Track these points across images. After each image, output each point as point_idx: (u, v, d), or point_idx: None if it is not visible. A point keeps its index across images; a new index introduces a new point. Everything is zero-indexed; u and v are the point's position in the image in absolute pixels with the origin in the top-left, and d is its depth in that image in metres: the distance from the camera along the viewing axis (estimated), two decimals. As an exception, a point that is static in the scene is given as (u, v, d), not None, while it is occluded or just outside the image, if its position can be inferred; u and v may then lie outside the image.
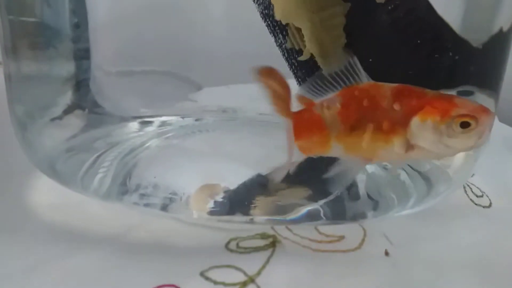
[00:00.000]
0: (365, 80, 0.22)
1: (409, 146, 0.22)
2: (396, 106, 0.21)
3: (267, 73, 0.22)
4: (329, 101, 0.23)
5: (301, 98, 0.23)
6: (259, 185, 0.29)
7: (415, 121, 0.21)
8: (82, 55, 0.31)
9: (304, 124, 0.23)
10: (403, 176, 0.30)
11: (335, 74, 0.22)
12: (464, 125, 0.21)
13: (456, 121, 0.20)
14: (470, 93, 0.28)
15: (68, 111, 0.32)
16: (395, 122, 0.22)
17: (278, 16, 0.26)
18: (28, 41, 0.29)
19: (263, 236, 0.26)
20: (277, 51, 0.28)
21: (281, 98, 0.22)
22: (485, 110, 0.21)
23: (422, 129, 0.21)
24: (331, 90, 0.23)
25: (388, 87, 0.22)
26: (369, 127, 0.22)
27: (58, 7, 0.29)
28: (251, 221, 0.27)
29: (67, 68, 0.31)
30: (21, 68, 0.29)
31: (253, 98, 0.24)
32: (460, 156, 0.29)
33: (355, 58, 0.22)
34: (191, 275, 0.23)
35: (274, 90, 0.22)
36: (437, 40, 0.27)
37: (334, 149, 0.23)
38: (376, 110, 0.22)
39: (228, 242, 0.26)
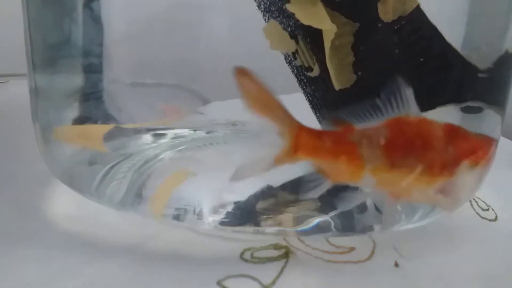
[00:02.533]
0: (415, 113, 0.21)
1: (444, 191, 0.21)
2: (450, 149, 0.20)
3: (243, 74, 0.21)
4: (374, 131, 0.21)
5: (338, 121, 0.21)
6: (269, 197, 0.30)
7: (465, 165, 0.20)
8: (93, 69, 0.32)
9: (328, 147, 0.21)
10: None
11: (386, 101, 0.21)
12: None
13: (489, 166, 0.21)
14: (479, 110, 0.28)
15: (82, 122, 0.33)
16: (445, 165, 0.20)
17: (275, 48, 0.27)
18: (50, 55, 0.30)
19: (276, 246, 0.27)
20: (284, 67, 0.29)
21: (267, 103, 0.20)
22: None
23: (468, 174, 0.20)
24: (374, 119, 0.21)
25: (439, 126, 0.21)
26: (418, 167, 0.20)
27: (80, 24, 0.30)
28: (262, 232, 0.28)
29: (82, 81, 0.32)
30: (44, 81, 0.30)
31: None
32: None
33: (410, 89, 0.20)
34: (208, 284, 0.23)
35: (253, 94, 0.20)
36: (441, 59, 0.27)
37: (365, 181, 0.21)
38: (428, 150, 0.20)
39: (243, 252, 0.26)
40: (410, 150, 0.21)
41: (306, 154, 0.21)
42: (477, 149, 0.21)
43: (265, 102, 0.20)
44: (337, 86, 0.26)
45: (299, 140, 0.21)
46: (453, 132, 0.21)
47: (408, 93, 0.20)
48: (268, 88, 0.20)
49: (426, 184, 0.21)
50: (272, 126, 0.21)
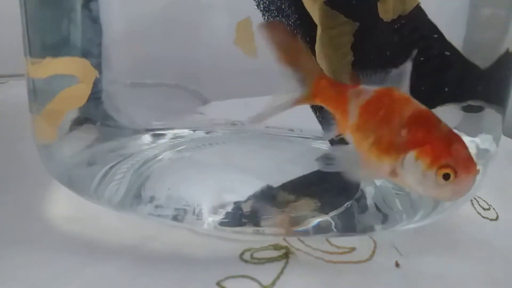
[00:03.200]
0: (405, 88, 0.21)
1: (394, 173, 0.21)
2: (403, 132, 0.20)
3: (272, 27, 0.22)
4: (363, 92, 0.22)
5: (353, 76, 0.24)
6: (268, 197, 0.30)
7: (410, 155, 0.20)
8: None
9: (335, 97, 0.23)
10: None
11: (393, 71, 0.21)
12: (446, 177, 0.19)
13: (440, 171, 0.19)
14: (480, 109, 0.28)
15: (81, 123, 0.33)
16: (393, 146, 0.21)
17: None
18: (48, 55, 0.30)
19: (276, 247, 0.27)
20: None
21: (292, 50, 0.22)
22: (470, 169, 0.20)
23: (412, 166, 0.20)
24: (377, 84, 0.22)
25: (411, 108, 0.21)
26: (370, 135, 0.21)
27: (79, 24, 0.30)
28: (262, 233, 0.28)
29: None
30: (42, 81, 0.30)
31: (255, 110, 0.25)
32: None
33: (409, 64, 0.21)
34: (207, 285, 0.23)
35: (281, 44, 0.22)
36: (441, 58, 0.27)
37: (347, 136, 0.23)
38: (384, 125, 0.21)
39: (242, 253, 0.26)
40: (370, 117, 0.22)
41: (321, 101, 0.24)
42: (428, 143, 0.20)
43: (293, 52, 0.23)
44: None
45: (318, 87, 0.23)
46: (418, 119, 0.21)
47: (406, 67, 0.21)
48: (297, 38, 0.23)
49: (376, 158, 0.21)
50: (295, 73, 0.23)
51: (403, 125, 0.20)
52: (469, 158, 0.20)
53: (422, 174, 0.20)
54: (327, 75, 0.24)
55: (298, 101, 0.24)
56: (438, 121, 0.21)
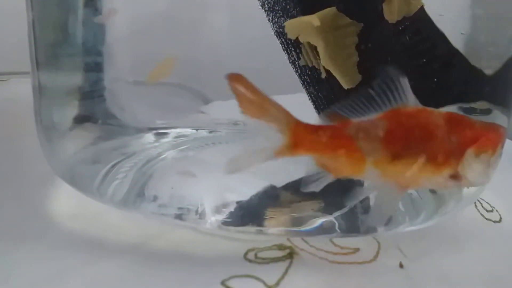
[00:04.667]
0: (413, 103, 0.21)
1: (457, 177, 0.21)
2: (453, 138, 0.20)
3: (236, 80, 0.21)
4: (371, 123, 0.21)
5: (333, 115, 0.21)
6: (272, 197, 0.30)
7: (470, 153, 0.20)
8: (93, 68, 0.32)
9: (325, 141, 0.21)
10: (414, 192, 0.31)
11: (381, 92, 0.20)
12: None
13: (498, 153, 0.21)
14: (487, 111, 0.28)
15: (84, 121, 0.33)
16: (449, 154, 0.20)
17: (292, 35, 0.27)
18: (53, 53, 0.30)
19: (280, 247, 0.27)
20: (286, 66, 0.29)
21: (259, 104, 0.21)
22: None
23: (475, 162, 0.20)
24: (371, 111, 0.21)
25: (439, 115, 0.21)
26: (420, 158, 0.20)
27: (85, 22, 0.30)
28: (266, 232, 0.28)
29: (85, 79, 0.32)
30: (47, 79, 0.30)
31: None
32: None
33: (405, 79, 0.20)
34: (212, 285, 0.23)
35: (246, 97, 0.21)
36: (444, 60, 0.27)
37: (369, 173, 0.21)
38: (430, 140, 0.20)
39: (246, 253, 0.26)
40: (410, 140, 0.21)
41: (305, 149, 0.22)
42: (480, 136, 0.21)
43: (260, 104, 0.21)
44: (346, 86, 0.26)
45: (297, 136, 0.21)
46: (454, 120, 0.21)
47: (403, 83, 0.20)
48: (261, 91, 0.21)
49: (432, 174, 0.21)
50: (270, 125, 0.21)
51: (447, 132, 0.20)
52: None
53: (487, 163, 0.21)
54: (302, 122, 0.21)
55: (280, 152, 0.21)
56: (468, 117, 0.22)
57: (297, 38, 0.28)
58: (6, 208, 0.29)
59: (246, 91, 0.21)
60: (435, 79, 0.27)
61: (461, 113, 0.29)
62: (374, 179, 0.22)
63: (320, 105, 0.27)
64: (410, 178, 0.21)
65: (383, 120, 0.21)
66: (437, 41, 0.27)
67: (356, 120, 0.21)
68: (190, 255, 0.26)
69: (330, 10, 0.26)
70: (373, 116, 0.21)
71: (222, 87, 0.33)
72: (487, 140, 0.20)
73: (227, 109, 0.34)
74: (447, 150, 0.20)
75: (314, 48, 0.28)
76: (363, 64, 0.26)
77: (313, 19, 0.25)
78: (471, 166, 0.21)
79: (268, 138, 0.21)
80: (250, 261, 0.26)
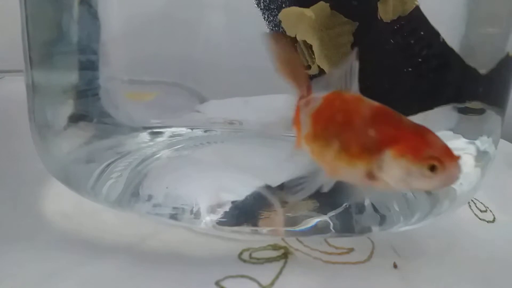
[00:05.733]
0: (355, 88, 0.20)
1: (372, 176, 0.20)
2: (371, 132, 0.19)
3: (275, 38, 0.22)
4: (312, 99, 0.21)
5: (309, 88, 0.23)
6: (266, 196, 0.30)
7: (387, 155, 0.19)
8: (88, 66, 0.32)
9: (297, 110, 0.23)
10: (408, 192, 0.31)
11: (336, 72, 0.21)
12: (432, 169, 0.19)
13: (426, 164, 0.19)
14: (481, 111, 0.28)
15: (78, 120, 0.32)
16: (364, 148, 0.19)
17: (290, 32, 0.27)
18: (46, 52, 0.30)
19: (275, 247, 0.27)
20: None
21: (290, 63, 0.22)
22: (452, 156, 0.19)
23: (392, 165, 0.19)
24: (326, 89, 0.21)
25: (369, 107, 0.20)
26: (335, 143, 0.20)
27: (80, 20, 0.30)
28: (260, 232, 0.28)
29: (79, 78, 0.32)
30: (41, 77, 0.30)
31: (257, 110, 0.25)
32: (468, 174, 0.30)
33: (356, 63, 0.20)
34: (206, 285, 0.23)
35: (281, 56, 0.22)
36: (439, 58, 0.27)
37: (304, 148, 0.22)
38: (348, 128, 0.20)
39: (241, 253, 0.26)
40: (330, 123, 0.21)
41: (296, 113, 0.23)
42: (405, 138, 0.19)
43: (287, 64, 0.22)
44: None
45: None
46: (380, 116, 0.20)
47: (354, 67, 0.20)
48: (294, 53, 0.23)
49: (346, 165, 0.20)
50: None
51: (367, 125, 0.20)
52: (446, 146, 0.19)
53: (406, 170, 0.19)
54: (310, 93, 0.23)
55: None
56: (400, 116, 0.20)
57: (293, 36, 0.28)
58: (-1, 207, 0.29)
59: (282, 51, 0.23)
60: (430, 78, 0.27)
61: (454, 112, 0.29)
62: (308, 155, 0.22)
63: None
64: (330, 164, 0.21)
65: (321, 98, 0.21)
66: (432, 40, 0.27)
67: (313, 95, 0.22)
68: (185, 255, 0.26)
69: (324, 6, 0.26)
70: (321, 93, 0.21)
71: (217, 86, 0.33)
72: (408, 145, 0.19)
73: (222, 108, 0.34)
74: (363, 143, 0.20)
75: (309, 47, 0.28)
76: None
77: (307, 11, 0.25)
78: (387, 168, 0.19)
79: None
80: (244, 261, 0.26)
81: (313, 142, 0.21)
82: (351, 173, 0.20)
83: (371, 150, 0.19)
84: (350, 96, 0.20)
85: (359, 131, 0.20)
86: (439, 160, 0.19)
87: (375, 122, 0.20)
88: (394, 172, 0.19)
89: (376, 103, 0.20)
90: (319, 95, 0.21)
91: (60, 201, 0.30)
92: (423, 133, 0.19)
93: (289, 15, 0.27)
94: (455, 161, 0.19)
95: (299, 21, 0.27)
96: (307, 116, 0.21)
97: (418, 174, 0.19)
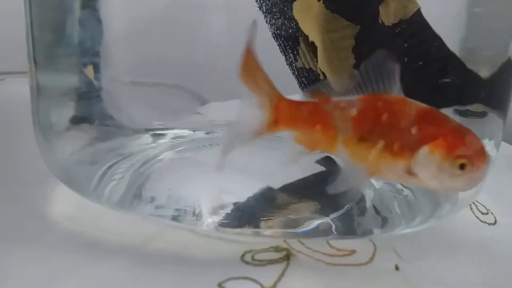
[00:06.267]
0: (396, 92, 0.21)
1: (411, 173, 0.21)
2: (414, 130, 0.20)
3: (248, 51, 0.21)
4: (348, 103, 0.21)
5: (315, 93, 0.22)
6: (268, 198, 0.30)
7: (423, 150, 0.20)
8: (96, 68, 0.32)
9: (305, 117, 0.22)
10: (410, 194, 0.31)
11: (366, 76, 0.21)
12: (462, 167, 0.20)
13: (457, 161, 0.19)
14: (483, 114, 0.28)
15: (81, 121, 0.32)
16: (406, 146, 0.20)
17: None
18: (51, 54, 0.30)
19: (277, 249, 0.27)
20: (282, 68, 0.29)
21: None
22: (484, 158, 0.20)
23: (426, 160, 0.20)
24: (353, 92, 0.21)
25: (414, 107, 0.21)
26: (379, 143, 0.21)
27: (82, 24, 0.30)
28: (262, 234, 0.28)
29: (81, 80, 0.32)
30: (44, 80, 0.30)
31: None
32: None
33: (397, 66, 0.20)
34: (208, 286, 0.23)
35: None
36: (440, 62, 0.28)
37: (340, 152, 0.22)
38: (392, 128, 0.20)
39: (243, 255, 0.26)
40: (375, 125, 0.21)
41: (285, 124, 0.22)
42: (441, 135, 0.20)
43: (252, 73, 0.21)
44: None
45: (279, 111, 0.22)
46: (426, 116, 0.20)
47: (395, 70, 0.20)
48: (260, 65, 0.21)
49: (389, 162, 0.21)
50: (253, 98, 0.22)
51: (412, 124, 0.20)
52: (481, 148, 0.20)
53: (438, 166, 0.20)
54: (285, 98, 0.22)
55: (259, 131, 0.22)
56: (446, 116, 0.21)
57: (295, 39, 0.28)
58: (2, 209, 0.29)
59: (248, 61, 0.21)
60: (431, 82, 0.27)
61: (456, 115, 0.29)
62: (344, 158, 0.22)
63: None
64: (372, 163, 0.21)
65: (358, 101, 0.21)
66: (433, 44, 0.27)
67: (336, 98, 0.22)
68: (187, 256, 0.26)
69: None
70: (353, 97, 0.21)
71: (219, 88, 0.33)
72: (444, 141, 0.20)
73: (224, 110, 0.34)
74: (405, 141, 0.20)
75: (311, 50, 0.28)
76: (359, 67, 0.26)
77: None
78: (422, 164, 0.20)
79: (250, 118, 0.22)
80: (247, 263, 0.26)
81: (356, 144, 0.21)
82: (392, 170, 0.21)
83: (412, 147, 0.20)
84: (393, 97, 0.21)
85: (404, 130, 0.20)
86: (470, 159, 0.19)
87: (419, 121, 0.20)
88: (428, 167, 0.20)
89: (422, 105, 0.21)
90: (351, 98, 0.21)
91: (63, 203, 0.30)
92: (462, 133, 0.20)
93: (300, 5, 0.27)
94: (485, 164, 0.20)
95: (307, 13, 0.27)
96: (345, 120, 0.21)
97: (448, 170, 0.20)
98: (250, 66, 0.21)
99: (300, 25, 0.27)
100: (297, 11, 0.27)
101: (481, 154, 0.20)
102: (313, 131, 0.22)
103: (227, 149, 0.23)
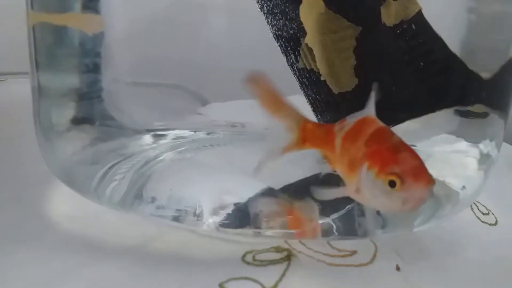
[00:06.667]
0: (372, 114, 0.22)
1: (357, 189, 0.21)
2: (362, 148, 0.21)
3: (254, 81, 0.23)
4: (346, 124, 0.23)
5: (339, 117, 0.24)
6: (269, 199, 0.30)
7: (364, 167, 0.21)
8: (92, 69, 0.32)
9: (322, 137, 0.24)
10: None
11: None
12: (392, 184, 0.20)
13: (387, 178, 0.20)
14: (484, 115, 0.28)
15: (82, 122, 0.33)
16: (355, 162, 0.21)
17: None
18: (52, 55, 0.30)
19: (278, 249, 0.27)
20: (283, 69, 0.29)
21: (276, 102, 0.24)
22: (419, 178, 0.19)
23: (366, 177, 0.20)
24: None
25: (373, 126, 0.22)
26: (344, 160, 0.22)
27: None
28: (263, 234, 0.28)
29: (82, 81, 0.32)
30: (46, 81, 0.30)
31: (259, 113, 0.25)
32: (471, 178, 0.30)
33: (373, 92, 0.22)
34: (209, 287, 0.23)
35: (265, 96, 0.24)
36: (441, 63, 0.28)
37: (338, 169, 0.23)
38: (353, 146, 0.22)
39: (244, 255, 0.26)
40: (350, 145, 0.22)
41: (311, 144, 0.25)
42: (378, 153, 0.20)
43: (275, 102, 0.24)
44: (335, 90, 0.26)
45: (305, 132, 0.24)
46: (377, 134, 0.21)
47: (372, 96, 0.22)
48: (277, 90, 0.24)
49: (346, 178, 0.22)
50: (280, 123, 0.24)
51: (363, 143, 0.21)
52: (418, 166, 0.20)
53: (373, 183, 0.20)
54: (309, 120, 0.25)
55: (288, 148, 0.25)
56: (391, 134, 0.21)
57: (296, 40, 0.28)
58: (3, 209, 0.29)
59: (264, 90, 0.24)
60: (432, 82, 0.27)
61: (457, 116, 0.29)
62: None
63: (318, 107, 0.28)
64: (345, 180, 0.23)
65: (351, 123, 0.23)
66: (435, 45, 0.27)
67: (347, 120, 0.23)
68: (188, 257, 0.26)
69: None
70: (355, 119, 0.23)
71: (220, 89, 0.33)
72: (379, 158, 0.20)
73: (225, 110, 0.34)
74: (356, 158, 0.21)
75: (312, 51, 0.28)
76: (359, 68, 0.26)
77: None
78: (362, 181, 0.21)
79: (278, 138, 0.25)
80: (248, 263, 0.26)
81: (341, 163, 0.23)
82: (351, 190, 0.22)
83: (358, 165, 0.21)
84: (370, 119, 0.22)
85: (357, 149, 0.22)
86: (401, 177, 0.19)
87: (369, 140, 0.21)
88: (366, 184, 0.21)
89: (380, 124, 0.22)
90: (352, 120, 0.23)
91: (64, 203, 0.30)
92: (399, 150, 0.21)
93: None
94: (420, 183, 0.19)
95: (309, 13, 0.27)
96: (339, 138, 0.23)
97: (381, 187, 0.20)
98: (270, 96, 0.24)
99: (305, 26, 0.27)
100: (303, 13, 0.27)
101: (417, 173, 0.20)
102: (329, 150, 0.24)
103: (262, 163, 0.26)
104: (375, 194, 0.20)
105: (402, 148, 0.21)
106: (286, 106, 0.24)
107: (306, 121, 0.24)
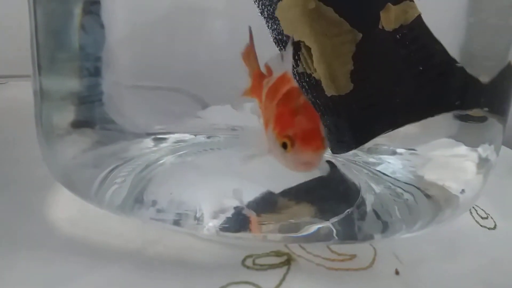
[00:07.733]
0: (289, 70, 0.23)
1: (269, 148, 0.22)
2: (275, 108, 0.22)
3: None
4: (271, 79, 0.24)
5: (267, 67, 0.26)
6: (269, 202, 0.30)
7: (270, 127, 0.22)
8: (93, 73, 0.32)
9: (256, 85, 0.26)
10: (410, 198, 0.31)
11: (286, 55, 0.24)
12: (284, 146, 0.21)
13: (281, 140, 0.21)
14: (483, 119, 0.29)
15: (82, 126, 0.33)
16: (268, 122, 0.23)
17: (288, 32, 0.27)
18: (54, 59, 0.30)
19: (278, 253, 0.27)
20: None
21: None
22: (309, 143, 0.20)
23: (271, 136, 0.22)
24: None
25: (287, 85, 0.23)
26: (264, 117, 0.23)
27: (85, 30, 0.30)
28: (263, 238, 0.28)
29: (83, 84, 0.32)
30: (48, 84, 0.30)
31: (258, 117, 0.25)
32: (470, 181, 0.30)
33: (290, 48, 0.23)
34: (210, 291, 0.23)
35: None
36: (440, 67, 0.28)
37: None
38: (270, 105, 0.23)
39: (244, 259, 0.26)
40: (269, 101, 0.23)
41: (253, 92, 0.26)
42: (280, 115, 0.22)
43: (249, 56, 0.27)
44: (329, 92, 0.26)
45: (254, 80, 0.26)
46: (287, 95, 0.22)
47: (288, 51, 0.23)
48: (255, 54, 0.27)
49: (265, 135, 0.23)
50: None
51: (277, 102, 0.22)
52: (311, 131, 0.21)
53: (274, 143, 0.21)
54: (262, 73, 0.26)
55: (245, 93, 0.27)
56: (298, 95, 0.22)
57: (296, 44, 0.28)
58: (4, 213, 0.29)
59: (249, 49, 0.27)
60: (431, 87, 0.27)
61: (456, 120, 0.29)
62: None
63: (317, 110, 0.28)
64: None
65: (274, 78, 0.24)
66: (434, 49, 0.27)
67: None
68: (188, 261, 0.26)
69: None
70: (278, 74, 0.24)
71: (220, 92, 0.33)
72: (279, 120, 0.21)
73: (224, 114, 0.35)
74: (268, 119, 0.23)
75: (311, 56, 0.28)
76: (357, 73, 0.26)
77: (309, 2, 0.25)
78: (269, 139, 0.22)
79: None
80: (248, 267, 0.26)
81: (263, 115, 0.24)
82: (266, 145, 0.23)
83: (268, 124, 0.22)
84: (287, 77, 0.23)
85: (271, 110, 0.23)
86: (292, 140, 0.20)
87: (280, 100, 0.22)
88: (272, 144, 0.22)
89: (293, 84, 0.23)
90: (276, 75, 0.24)
91: (65, 207, 0.30)
92: (297, 113, 0.22)
93: (286, 10, 0.27)
94: (308, 147, 0.21)
95: (298, 20, 0.27)
96: (264, 93, 0.25)
97: (278, 148, 0.21)
98: (249, 52, 0.27)
99: (286, 31, 0.27)
100: (283, 18, 0.27)
101: (307, 137, 0.21)
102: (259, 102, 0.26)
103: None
104: (276, 154, 0.22)
105: (301, 112, 0.22)
106: (254, 59, 0.27)
107: (259, 70, 0.26)
